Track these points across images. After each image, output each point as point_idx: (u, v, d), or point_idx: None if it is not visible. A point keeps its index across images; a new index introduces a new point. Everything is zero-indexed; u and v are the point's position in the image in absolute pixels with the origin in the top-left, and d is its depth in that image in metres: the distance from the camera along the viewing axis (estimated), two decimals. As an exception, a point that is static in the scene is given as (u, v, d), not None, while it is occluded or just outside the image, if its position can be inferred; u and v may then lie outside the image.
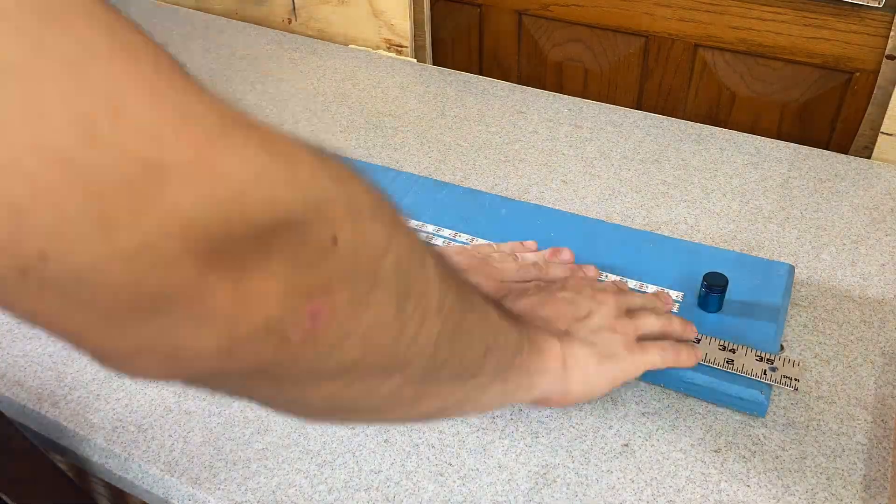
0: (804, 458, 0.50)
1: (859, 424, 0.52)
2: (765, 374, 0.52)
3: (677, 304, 0.58)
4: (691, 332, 0.54)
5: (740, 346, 0.54)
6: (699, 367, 0.52)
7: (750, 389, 0.52)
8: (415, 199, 0.70)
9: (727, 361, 0.53)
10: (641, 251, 0.63)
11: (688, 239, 0.67)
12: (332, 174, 0.26)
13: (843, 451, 0.50)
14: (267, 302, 0.24)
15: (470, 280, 0.39)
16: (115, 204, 0.20)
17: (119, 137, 0.20)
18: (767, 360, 0.53)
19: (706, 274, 0.57)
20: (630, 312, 0.52)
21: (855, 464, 0.49)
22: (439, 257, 0.34)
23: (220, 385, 0.28)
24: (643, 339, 0.51)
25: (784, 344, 0.57)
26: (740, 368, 0.52)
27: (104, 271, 0.20)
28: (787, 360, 0.53)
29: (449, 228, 0.66)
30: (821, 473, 0.49)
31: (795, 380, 0.51)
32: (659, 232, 0.67)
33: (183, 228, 0.21)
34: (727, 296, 0.57)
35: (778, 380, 0.51)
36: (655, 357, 0.50)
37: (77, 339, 0.22)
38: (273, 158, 0.23)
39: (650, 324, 0.52)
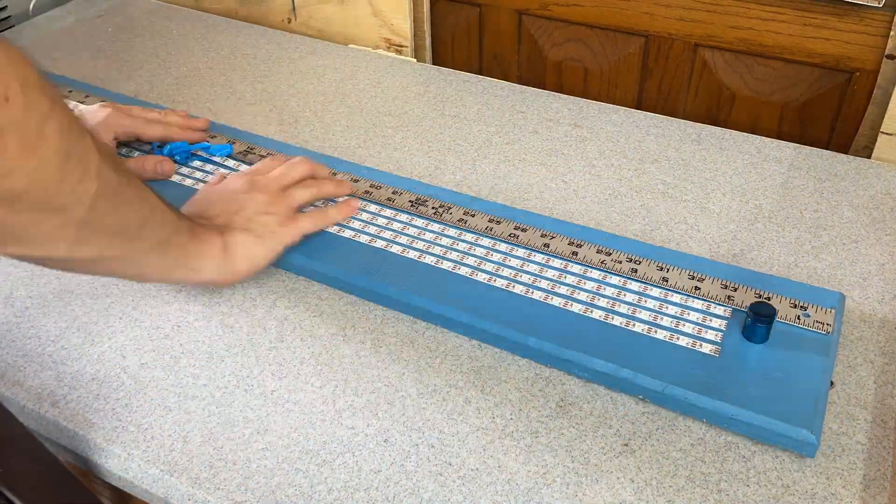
0: (804, 458, 0.50)
1: (859, 424, 0.52)
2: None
3: (720, 333, 0.55)
4: (345, 189, 0.67)
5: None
6: (744, 404, 0.50)
7: (797, 428, 0.49)
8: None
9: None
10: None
11: (688, 238, 0.67)
12: (7, 52, 0.38)
13: (843, 451, 0.50)
14: None
15: (130, 167, 0.65)
16: None
17: None
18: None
19: (753, 303, 0.54)
20: (286, 190, 0.64)
21: (855, 464, 0.49)
22: (102, 144, 0.45)
23: None
24: (301, 209, 0.64)
25: (833, 380, 0.54)
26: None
27: None
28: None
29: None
30: (821, 473, 0.49)
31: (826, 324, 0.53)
32: (659, 231, 0.67)
33: None
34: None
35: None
36: (307, 223, 0.63)
37: None
38: None
39: (300, 196, 0.64)
